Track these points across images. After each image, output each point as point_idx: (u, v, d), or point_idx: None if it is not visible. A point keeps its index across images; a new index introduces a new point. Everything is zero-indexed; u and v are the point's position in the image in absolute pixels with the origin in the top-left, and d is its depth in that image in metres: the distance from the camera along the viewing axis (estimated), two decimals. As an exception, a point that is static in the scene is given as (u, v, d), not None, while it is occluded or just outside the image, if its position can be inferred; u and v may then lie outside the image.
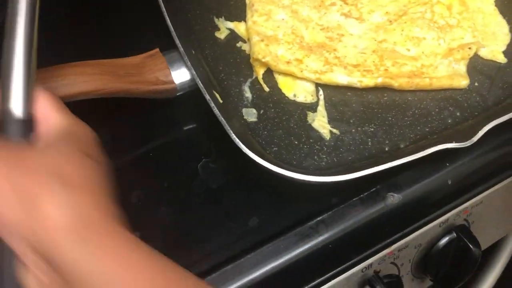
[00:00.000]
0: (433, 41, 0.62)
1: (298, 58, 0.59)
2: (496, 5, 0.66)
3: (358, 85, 0.59)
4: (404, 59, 0.60)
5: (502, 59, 0.62)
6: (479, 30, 0.63)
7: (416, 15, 0.64)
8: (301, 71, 0.59)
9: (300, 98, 0.59)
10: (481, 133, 0.51)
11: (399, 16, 0.64)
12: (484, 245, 0.65)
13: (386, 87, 0.59)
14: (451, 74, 0.60)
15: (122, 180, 0.54)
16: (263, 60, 0.59)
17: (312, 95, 0.59)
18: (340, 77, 0.59)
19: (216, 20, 0.64)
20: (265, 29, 0.62)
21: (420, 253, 0.58)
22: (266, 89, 0.59)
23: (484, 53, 0.62)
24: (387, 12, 0.64)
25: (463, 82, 0.60)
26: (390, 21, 0.63)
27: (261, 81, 0.59)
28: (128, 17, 0.66)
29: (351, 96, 0.59)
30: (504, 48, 0.63)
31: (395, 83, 0.59)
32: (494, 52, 0.62)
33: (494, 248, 0.74)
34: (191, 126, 0.59)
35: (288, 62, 0.60)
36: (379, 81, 0.58)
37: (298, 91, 0.59)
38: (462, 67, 0.61)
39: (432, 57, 0.61)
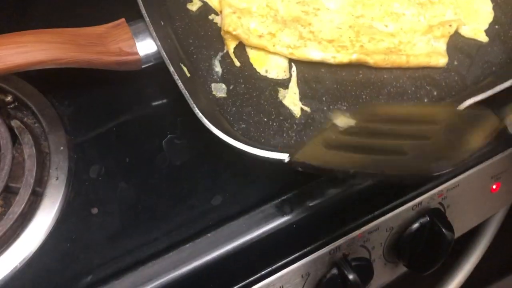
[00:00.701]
0: (412, 17, 0.59)
1: (271, 32, 0.57)
2: (480, -17, 0.63)
3: (332, 61, 0.56)
4: (381, 35, 0.58)
5: (483, 38, 0.59)
6: (461, 7, 0.61)
7: None
8: (274, 46, 0.57)
9: (272, 74, 0.57)
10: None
11: None
12: (460, 231, 0.63)
13: (361, 64, 0.57)
14: (430, 52, 0.58)
15: (82, 155, 0.53)
16: (234, 32, 0.57)
17: (284, 71, 0.57)
18: (314, 53, 0.56)
19: (188, -10, 0.61)
20: (238, 1, 0.59)
21: (392, 236, 0.56)
22: (237, 63, 0.57)
23: (465, 31, 0.60)
24: None
25: (442, 60, 0.57)
26: None
27: (232, 55, 0.57)
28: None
29: (325, 73, 0.57)
30: (486, 26, 0.60)
31: (371, 60, 0.56)
32: (475, 31, 0.60)
33: (473, 234, 0.72)
34: (158, 101, 0.57)
35: (260, 36, 0.57)
36: (354, 57, 0.56)
37: (270, 66, 0.57)
38: (441, 45, 0.59)
39: (411, 33, 0.59)
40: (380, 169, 0.42)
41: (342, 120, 0.45)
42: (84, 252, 0.46)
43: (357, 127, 0.45)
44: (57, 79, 0.56)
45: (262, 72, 0.57)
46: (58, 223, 0.48)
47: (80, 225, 0.48)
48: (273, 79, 0.56)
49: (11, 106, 0.56)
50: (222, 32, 0.58)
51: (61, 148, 0.52)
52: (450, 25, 0.59)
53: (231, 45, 0.58)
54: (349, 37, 0.57)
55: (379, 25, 0.59)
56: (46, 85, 0.56)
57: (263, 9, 0.59)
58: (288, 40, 0.57)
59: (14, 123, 0.53)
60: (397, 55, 0.57)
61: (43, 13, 0.60)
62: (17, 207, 0.48)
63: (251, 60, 0.58)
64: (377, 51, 0.57)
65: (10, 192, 0.50)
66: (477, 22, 0.60)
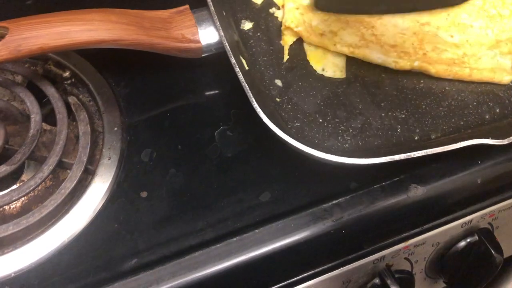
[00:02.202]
0: (480, 29, 0.58)
1: (333, 30, 0.56)
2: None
3: (393, 66, 0.55)
4: (446, 45, 0.56)
5: None
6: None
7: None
8: (335, 45, 0.56)
9: (329, 73, 0.56)
10: (521, 132, 0.47)
11: None
12: (506, 253, 0.61)
13: (423, 72, 0.55)
14: (494, 67, 0.56)
15: (135, 137, 0.53)
16: (295, 29, 0.56)
17: (341, 71, 0.56)
18: (375, 55, 0.55)
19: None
20: None
21: (437, 252, 0.55)
22: (286, 57, 0.56)
23: None
24: None
25: (506, 77, 0.55)
26: None
27: (286, 51, 0.56)
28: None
29: (385, 78, 0.55)
30: None
31: (432, 69, 0.55)
32: None
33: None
34: (213, 91, 0.56)
35: (321, 34, 0.56)
36: (416, 64, 0.55)
37: (327, 65, 0.56)
38: (507, 62, 0.57)
39: (477, 46, 0.57)
40: None
41: None
42: (131, 234, 0.47)
43: None
44: (116, 59, 0.56)
45: (319, 71, 0.56)
46: (107, 202, 0.48)
47: (129, 207, 0.48)
48: (330, 79, 0.55)
49: (68, 82, 0.56)
50: (282, 27, 0.57)
51: (115, 128, 0.52)
52: None
53: (288, 41, 0.57)
54: (413, 44, 0.56)
55: (444, 35, 0.57)
56: (104, 65, 0.56)
57: None
58: (349, 39, 0.56)
59: (71, 99, 0.53)
60: (460, 67, 0.55)
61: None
62: (69, 182, 0.48)
63: (309, 58, 0.57)
64: (440, 61, 0.55)
65: (62, 167, 0.51)
66: None
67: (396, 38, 0.57)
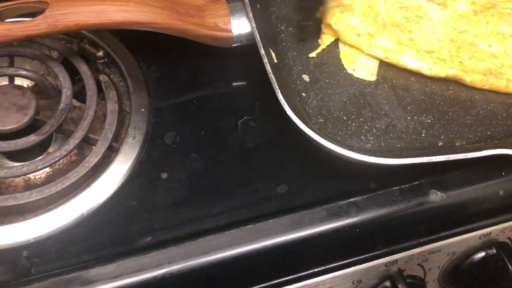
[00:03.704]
0: None
1: (370, 32, 0.56)
2: None
3: (428, 72, 0.54)
4: (483, 54, 0.56)
5: None
6: None
7: (506, 11, 0.58)
8: (370, 47, 0.55)
9: (359, 74, 0.56)
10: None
11: (487, 8, 0.59)
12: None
13: (457, 80, 0.55)
14: None
15: (161, 120, 0.54)
16: (334, 26, 0.56)
17: (372, 73, 0.55)
18: (410, 60, 0.55)
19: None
20: None
21: (452, 261, 0.54)
22: (313, 54, 0.56)
23: None
24: (473, 2, 0.59)
25: None
26: (475, 12, 0.58)
27: (320, 49, 0.56)
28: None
29: (414, 82, 0.55)
30: None
31: (468, 78, 0.54)
32: None
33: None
34: (241, 82, 0.57)
35: (358, 35, 0.56)
36: (451, 72, 0.54)
37: (358, 66, 0.56)
38: None
39: None
40: None
41: None
42: (148, 213, 0.47)
43: None
44: (149, 43, 0.57)
45: (349, 70, 0.56)
46: (128, 180, 0.49)
47: (148, 186, 0.49)
48: (358, 79, 0.55)
49: (101, 61, 0.57)
50: (322, 25, 0.57)
51: (142, 109, 0.53)
52: None
53: (326, 41, 0.57)
54: (449, 51, 0.55)
55: (482, 44, 0.56)
56: (137, 47, 0.58)
57: (365, 9, 0.58)
58: (385, 43, 0.55)
59: (102, 77, 0.55)
60: (496, 77, 0.54)
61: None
62: (93, 157, 0.49)
63: (341, 56, 0.57)
64: (476, 70, 0.55)
65: (87, 142, 0.52)
66: None
67: (433, 44, 0.56)
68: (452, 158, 0.46)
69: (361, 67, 0.56)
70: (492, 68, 0.55)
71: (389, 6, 0.58)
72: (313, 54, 0.56)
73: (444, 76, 0.54)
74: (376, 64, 0.56)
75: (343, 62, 0.56)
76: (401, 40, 0.56)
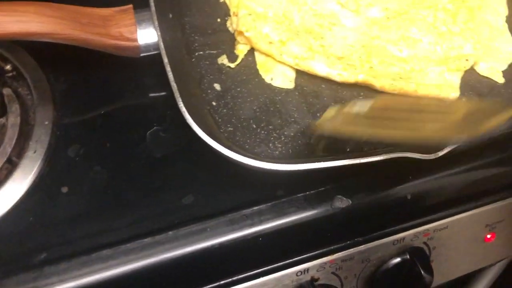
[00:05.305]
0: (429, 45, 0.57)
1: (282, 40, 0.56)
2: (507, 21, 0.60)
3: (337, 78, 0.54)
4: (394, 59, 0.56)
5: (499, 78, 0.56)
6: (481, 43, 0.58)
7: (417, 16, 0.59)
8: (281, 55, 0.55)
9: (277, 82, 0.55)
10: (448, 149, 0.46)
11: (399, 14, 0.59)
12: (446, 277, 0.59)
13: (367, 86, 0.55)
14: (441, 84, 0.55)
15: (65, 132, 0.52)
16: (246, 34, 0.55)
17: (290, 81, 0.55)
18: (320, 67, 0.54)
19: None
20: (255, 5, 0.58)
21: (368, 269, 0.53)
22: (232, 65, 0.55)
23: (482, 69, 0.57)
24: (386, 8, 0.60)
25: (452, 94, 0.55)
26: (388, 18, 0.59)
27: (239, 59, 0.56)
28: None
29: (325, 89, 0.55)
30: (505, 67, 0.57)
31: (377, 83, 0.54)
32: (492, 70, 0.57)
33: (465, 284, 0.68)
34: (151, 92, 0.56)
35: (270, 43, 0.56)
36: (360, 78, 0.54)
37: (276, 74, 0.55)
38: (455, 79, 0.56)
39: (425, 62, 0.56)
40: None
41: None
42: (45, 229, 0.46)
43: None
44: (58, 54, 0.56)
45: (267, 80, 0.55)
46: (26, 195, 0.48)
47: (48, 201, 0.47)
48: (270, 86, 0.55)
49: (9, 74, 0.56)
50: (235, 34, 0.57)
51: (46, 122, 0.52)
52: (467, 60, 0.56)
53: (243, 50, 0.56)
54: (360, 57, 0.55)
55: (393, 49, 0.56)
56: (45, 59, 0.56)
57: (278, 17, 0.58)
58: (296, 50, 0.55)
59: (6, 91, 0.53)
60: (406, 82, 0.54)
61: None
62: (-11, 173, 0.48)
63: (258, 66, 0.56)
64: (386, 75, 0.55)
65: (-12, 157, 0.51)
66: (496, 61, 0.57)
67: (344, 50, 0.56)
68: (355, 162, 0.45)
69: (279, 76, 0.56)
70: (401, 72, 0.55)
71: (303, 13, 0.58)
72: (229, 64, 0.56)
73: (353, 82, 0.54)
74: (293, 72, 0.56)
75: (260, 71, 0.56)
76: (312, 47, 0.56)
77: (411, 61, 0.56)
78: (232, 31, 0.58)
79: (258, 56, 0.57)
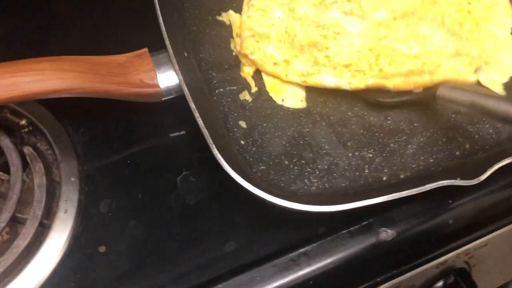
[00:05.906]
0: (440, 41, 0.55)
1: (287, 59, 0.55)
2: (512, 33, 0.60)
3: (347, 87, 0.53)
4: (404, 57, 0.54)
5: (500, 90, 0.56)
6: (485, 54, 0.57)
7: (425, 15, 0.58)
8: (287, 75, 0.55)
9: (289, 103, 0.54)
10: (490, 171, 0.46)
11: (406, 14, 0.58)
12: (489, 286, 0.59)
13: (380, 88, 0.53)
14: (458, 69, 0.54)
15: (93, 187, 0.51)
16: (250, 56, 0.55)
17: (301, 101, 0.55)
18: (327, 79, 0.54)
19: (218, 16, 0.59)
20: (258, 25, 0.57)
21: (414, 295, 0.53)
22: (254, 89, 0.55)
23: (483, 79, 0.56)
24: (392, 10, 0.58)
25: (472, 76, 0.53)
26: (395, 18, 0.57)
27: (253, 84, 0.55)
28: (120, 11, 0.61)
29: (352, 116, 0.54)
30: (506, 80, 0.56)
31: (389, 84, 0.53)
32: (493, 81, 0.56)
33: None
34: (175, 134, 0.55)
35: (275, 64, 0.55)
36: (370, 82, 0.53)
37: (286, 95, 0.55)
38: (469, 69, 0.55)
39: (436, 56, 0.54)
40: None
41: None
42: (88, 294, 0.44)
43: None
44: (74, 105, 0.54)
45: (279, 101, 0.55)
46: (64, 260, 0.46)
47: (86, 263, 0.46)
48: (295, 117, 0.54)
49: (25, 130, 0.54)
50: (240, 56, 0.56)
51: (72, 179, 0.50)
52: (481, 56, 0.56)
53: (248, 72, 0.55)
54: (368, 61, 0.54)
55: (403, 47, 0.55)
56: (62, 111, 0.54)
57: (282, 35, 0.57)
58: (301, 67, 0.55)
59: (27, 149, 0.51)
60: (419, 75, 0.53)
61: (64, 39, 0.58)
62: (22, 240, 0.46)
63: (267, 88, 0.56)
64: (397, 74, 0.54)
65: (16, 222, 0.49)
66: (498, 73, 0.57)
67: (351, 57, 0.55)
68: (398, 197, 0.45)
69: (290, 96, 0.55)
70: (414, 69, 0.54)
71: (305, 27, 0.57)
72: (246, 97, 0.55)
73: (364, 87, 0.53)
74: (303, 91, 0.55)
75: (270, 94, 0.55)
76: (317, 60, 0.55)
77: (422, 56, 0.54)
78: (236, 53, 0.57)
79: (266, 78, 0.56)
